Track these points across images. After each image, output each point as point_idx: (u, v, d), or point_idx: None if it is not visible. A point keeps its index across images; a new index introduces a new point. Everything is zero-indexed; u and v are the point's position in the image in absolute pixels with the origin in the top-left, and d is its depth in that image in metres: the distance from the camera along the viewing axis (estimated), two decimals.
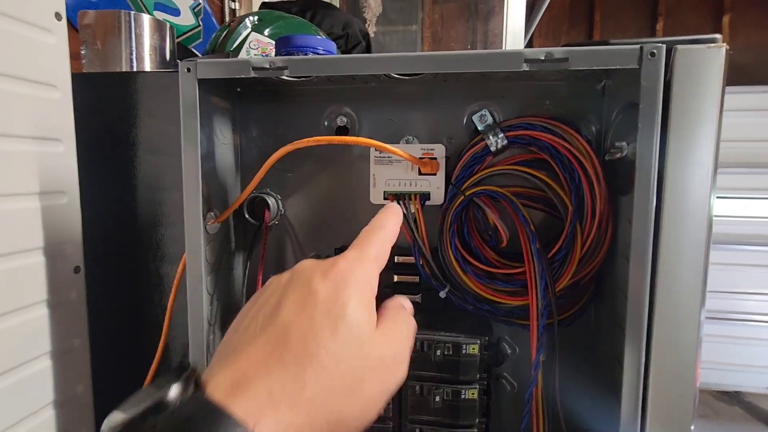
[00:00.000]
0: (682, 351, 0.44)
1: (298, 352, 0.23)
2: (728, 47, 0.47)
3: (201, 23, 1.30)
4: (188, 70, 0.46)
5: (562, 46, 0.47)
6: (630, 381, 0.42)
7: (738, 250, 2.50)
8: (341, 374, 0.24)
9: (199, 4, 1.29)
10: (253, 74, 0.45)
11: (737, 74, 2.80)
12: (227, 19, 1.50)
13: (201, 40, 1.30)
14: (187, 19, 1.25)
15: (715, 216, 0.45)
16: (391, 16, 2.04)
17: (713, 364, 2.70)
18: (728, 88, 0.46)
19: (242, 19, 0.90)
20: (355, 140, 0.45)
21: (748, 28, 2.94)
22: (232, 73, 0.46)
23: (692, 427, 0.47)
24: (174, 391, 0.22)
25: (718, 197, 0.45)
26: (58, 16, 0.55)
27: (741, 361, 2.70)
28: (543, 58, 0.41)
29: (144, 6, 1.12)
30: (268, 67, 0.45)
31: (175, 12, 1.22)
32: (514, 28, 1.69)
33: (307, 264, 0.28)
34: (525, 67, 0.41)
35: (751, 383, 2.73)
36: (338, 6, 2.15)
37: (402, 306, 0.30)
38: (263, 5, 1.17)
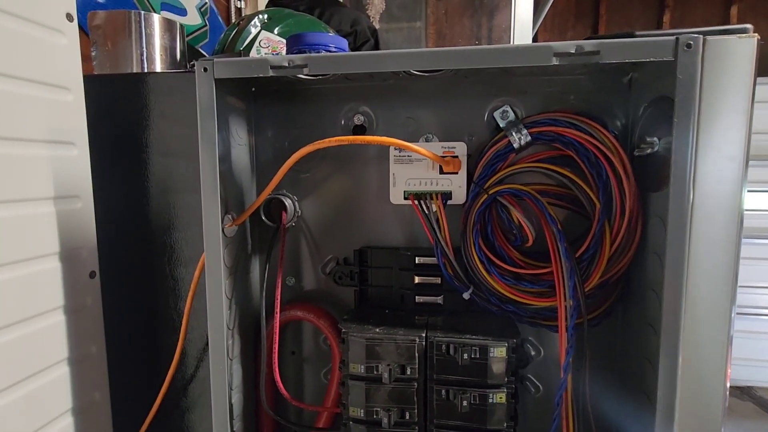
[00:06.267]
0: (711, 350, 0.43)
1: None
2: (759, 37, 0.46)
3: (207, 23, 1.28)
4: (205, 69, 0.45)
5: (587, 38, 0.46)
6: (665, 381, 0.41)
7: (746, 244, 2.47)
8: None
9: (206, 3, 1.28)
10: (271, 73, 0.44)
11: None
12: (233, 18, 1.49)
13: (207, 40, 1.29)
14: (193, 18, 1.24)
15: None
16: (394, 12, 2.02)
17: None
18: None
19: (251, 17, 0.88)
20: (378, 140, 0.44)
21: (757, 18, 2.89)
22: (250, 72, 0.45)
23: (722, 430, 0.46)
24: None
25: None
26: (69, 16, 0.54)
27: (752, 356, 2.67)
28: (573, 51, 0.40)
29: (151, 6, 1.11)
30: (287, 65, 0.44)
31: (182, 12, 1.21)
32: (522, 23, 1.67)
33: None
34: (555, 61, 0.40)
35: (763, 378, 2.70)
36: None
37: None
38: (271, 3, 1.16)
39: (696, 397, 0.44)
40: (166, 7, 1.15)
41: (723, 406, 0.46)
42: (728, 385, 0.46)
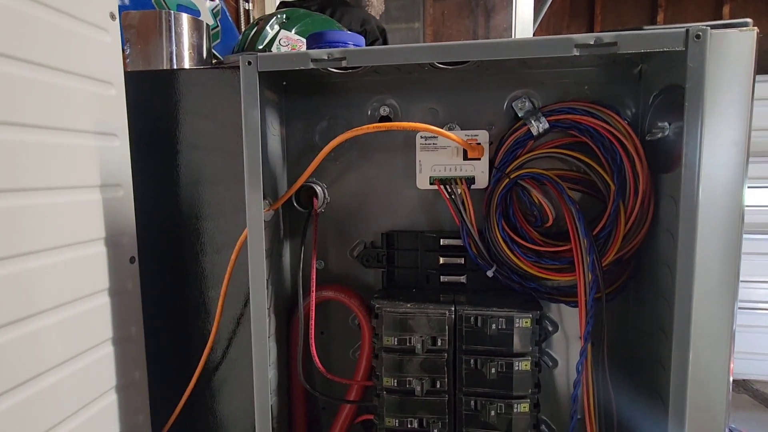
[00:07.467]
0: (718, 318, 0.47)
1: None
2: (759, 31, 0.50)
3: (219, 24, 1.32)
4: (249, 63, 0.48)
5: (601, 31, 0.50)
6: (679, 348, 0.44)
7: (743, 239, 2.52)
8: None
9: (218, 5, 1.31)
10: (311, 65, 0.48)
11: None
12: (242, 20, 1.52)
13: (219, 40, 1.32)
14: (206, 20, 1.27)
15: None
16: (393, 13, 2.06)
17: None
18: None
19: (270, 18, 0.92)
20: (412, 125, 0.47)
21: (748, 17, 2.96)
22: (292, 64, 0.48)
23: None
24: None
25: None
26: (112, 16, 0.57)
27: (747, 349, 2.72)
28: (592, 42, 0.43)
29: (167, 7, 1.14)
30: (326, 58, 0.47)
31: (196, 13, 1.24)
32: (523, 22, 1.71)
33: None
34: (575, 52, 0.43)
35: (759, 371, 2.76)
36: None
37: None
38: (283, 4, 1.19)
39: (704, 362, 0.48)
40: (181, 8, 1.18)
41: (728, 371, 0.50)
42: (733, 350, 0.50)
